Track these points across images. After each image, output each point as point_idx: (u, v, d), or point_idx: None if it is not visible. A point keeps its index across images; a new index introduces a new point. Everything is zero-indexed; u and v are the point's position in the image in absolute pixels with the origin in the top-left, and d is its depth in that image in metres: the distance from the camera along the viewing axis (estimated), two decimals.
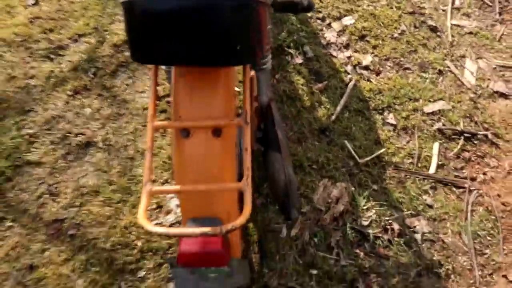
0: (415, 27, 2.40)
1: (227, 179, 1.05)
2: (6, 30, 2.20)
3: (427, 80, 2.19)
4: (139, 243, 1.65)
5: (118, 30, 2.24)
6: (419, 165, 1.93)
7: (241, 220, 0.87)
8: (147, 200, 0.93)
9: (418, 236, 1.74)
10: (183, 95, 1.04)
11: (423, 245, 1.73)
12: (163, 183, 1.80)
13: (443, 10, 2.50)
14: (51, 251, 1.62)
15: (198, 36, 0.91)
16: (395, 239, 1.73)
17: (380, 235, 1.73)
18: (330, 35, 2.33)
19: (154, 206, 1.74)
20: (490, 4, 2.54)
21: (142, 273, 1.59)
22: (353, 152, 1.93)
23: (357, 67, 2.22)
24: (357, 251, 1.70)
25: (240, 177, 1.05)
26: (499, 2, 2.55)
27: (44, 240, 1.64)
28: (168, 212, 1.73)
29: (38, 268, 1.59)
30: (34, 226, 1.67)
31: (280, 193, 1.39)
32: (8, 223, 1.68)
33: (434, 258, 1.70)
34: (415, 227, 1.77)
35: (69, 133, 1.90)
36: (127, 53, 2.17)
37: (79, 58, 2.13)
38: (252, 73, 1.45)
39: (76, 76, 2.06)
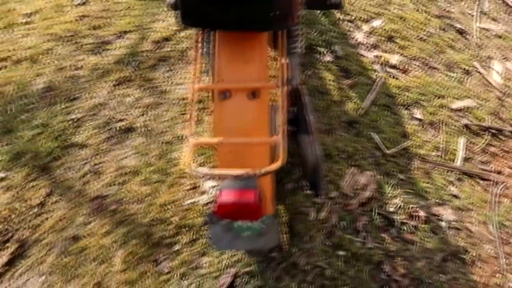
0: (442, 29, 2.45)
1: (262, 136, 1.13)
2: (56, 26, 2.34)
3: (454, 79, 2.23)
4: (176, 219, 1.72)
5: (159, 28, 2.36)
6: (445, 157, 1.97)
7: (277, 164, 0.94)
8: (191, 150, 1.01)
9: (443, 224, 1.77)
10: (224, 60, 1.13)
11: (449, 232, 1.75)
12: (199, 166, 1.87)
13: (470, 14, 2.54)
14: (94, 224, 1.71)
15: (244, 3, 1.00)
16: (421, 225, 1.76)
17: (406, 221, 1.77)
18: (359, 36, 2.40)
19: (190, 186, 1.82)
20: None
21: (177, 247, 1.67)
22: (380, 143, 1.97)
23: (385, 66, 2.28)
24: (383, 235, 1.74)
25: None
26: None
27: (87, 214, 1.74)
28: (203, 193, 1.80)
29: (81, 239, 1.68)
30: (78, 201, 1.77)
31: (309, 171, 1.45)
32: (55, 198, 1.78)
33: (460, 245, 1.72)
34: (441, 215, 1.80)
35: (112, 119, 2.01)
36: (167, 49, 2.28)
37: (122, 52, 2.25)
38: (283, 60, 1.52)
39: (119, 69, 2.18)
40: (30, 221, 1.72)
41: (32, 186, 1.80)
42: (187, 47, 2.28)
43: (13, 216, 1.72)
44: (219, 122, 1.14)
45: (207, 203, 1.77)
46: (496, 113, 2.11)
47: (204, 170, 0.96)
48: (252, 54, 1.13)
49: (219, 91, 1.12)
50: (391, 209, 1.79)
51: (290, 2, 1.07)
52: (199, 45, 1.17)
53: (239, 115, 1.11)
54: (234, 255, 1.65)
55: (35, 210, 1.74)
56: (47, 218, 1.73)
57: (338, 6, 1.50)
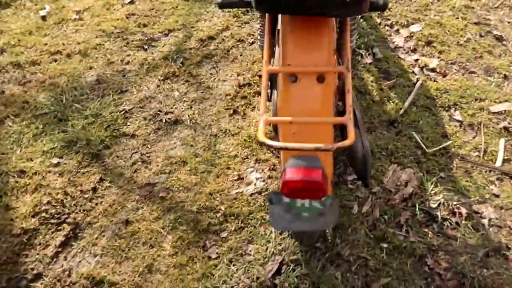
0: (481, 36, 2.48)
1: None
2: (106, 23, 2.42)
3: (493, 83, 2.25)
4: (223, 208, 1.76)
5: (204, 27, 2.42)
6: (485, 158, 1.98)
7: (349, 141, 0.98)
8: (264, 126, 1.05)
9: (485, 221, 1.78)
10: (292, 45, 1.17)
11: (490, 229, 1.76)
12: (244, 159, 1.92)
13: (509, 22, 2.56)
14: (144, 209, 1.76)
15: None
16: (463, 222, 1.77)
17: (448, 217, 1.78)
18: (398, 40, 2.44)
19: (236, 177, 1.86)
20: None
21: (224, 234, 1.70)
22: (421, 142, 2.00)
23: (424, 69, 2.31)
24: (426, 230, 1.75)
25: None
26: None
27: (137, 200, 1.79)
28: (249, 184, 1.84)
29: (132, 223, 1.72)
30: (129, 188, 1.82)
31: (358, 162, 1.48)
32: (107, 184, 1.83)
33: (502, 241, 1.73)
34: (482, 212, 1.81)
35: (160, 111, 2.07)
36: (211, 47, 2.34)
37: (169, 49, 2.32)
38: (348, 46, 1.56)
39: (166, 64, 2.24)
40: (83, 205, 1.77)
41: (85, 172, 1.86)
42: (231, 46, 2.34)
43: (67, 200, 1.78)
44: (286, 103, 1.18)
45: (253, 193, 1.81)
46: None
47: (279, 143, 1.01)
48: (320, 40, 1.18)
49: (288, 74, 1.16)
50: (433, 205, 1.81)
51: None
52: (268, 28, 1.21)
53: (306, 98, 1.15)
54: (280, 243, 1.68)
55: (88, 195, 1.80)
56: (99, 203, 1.78)
57: (383, 8, 1.54)
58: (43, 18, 2.44)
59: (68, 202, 1.77)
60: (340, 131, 1.61)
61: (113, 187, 1.82)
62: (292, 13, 1.18)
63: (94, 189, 1.81)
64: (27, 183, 1.81)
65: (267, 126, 1.11)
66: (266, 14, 1.29)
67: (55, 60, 2.25)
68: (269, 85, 1.46)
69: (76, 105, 2.06)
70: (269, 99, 1.57)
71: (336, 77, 1.22)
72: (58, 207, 1.76)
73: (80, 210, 1.75)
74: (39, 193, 1.78)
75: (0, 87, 2.14)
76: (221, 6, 2.00)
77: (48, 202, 1.76)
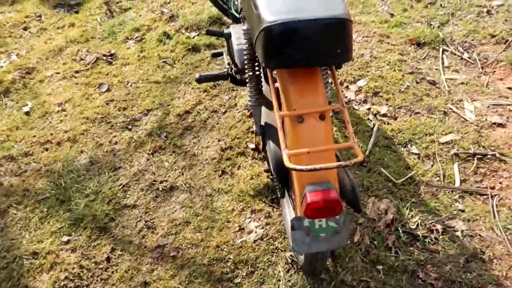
0: (417, 82, 2.85)
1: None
2: (88, 111, 2.58)
3: (436, 119, 2.58)
4: (231, 257, 1.89)
5: (179, 104, 2.64)
6: (446, 181, 2.25)
7: (361, 157, 1.20)
8: (288, 158, 1.25)
9: (459, 233, 2.02)
10: (295, 93, 1.40)
11: (464, 239, 2.00)
12: (240, 211, 2.08)
13: (436, 69, 2.97)
14: (159, 270, 1.86)
15: (320, 44, 1.30)
16: (441, 236, 1.99)
17: (427, 234, 2.00)
18: (349, 94, 2.76)
19: (237, 228, 2.01)
20: (473, 62, 3.02)
21: (238, 280, 1.82)
22: (389, 176, 2.25)
23: (377, 115, 2.61)
24: (412, 248, 1.96)
25: None
26: (479, 60, 3.04)
27: (151, 262, 1.88)
28: (250, 232, 1.99)
29: (150, 284, 1.81)
30: (140, 253, 1.92)
31: (348, 192, 1.69)
32: (118, 252, 1.92)
33: (476, 247, 1.96)
34: (454, 226, 2.04)
35: (155, 181, 2.21)
36: (189, 120, 2.55)
37: (151, 126, 2.50)
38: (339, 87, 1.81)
39: (152, 140, 2.42)
40: (99, 275, 1.84)
41: (96, 245, 1.95)
42: (207, 117, 2.56)
43: (83, 272, 1.85)
44: (297, 139, 1.39)
45: (255, 240, 1.96)
46: (477, 142, 2.45)
47: (308, 166, 1.20)
48: (316, 85, 1.42)
49: (295, 117, 1.38)
50: (413, 227, 2.03)
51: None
52: (273, 80, 1.45)
53: (313, 133, 1.38)
54: (289, 280, 1.82)
55: (102, 265, 1.88)
56: (114, 271, 1.86)
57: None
58: (27, 113, 2.57)
59: (85, 275, 1.84)
60: None
61: (125, 254, 1.91)
62: (296, 66, 1.42)
63: (108, 259, 1.89)
64: (42, 263, 1.87)
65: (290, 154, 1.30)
66: (268, 71, 1.52)
67: (47, 149, 2.36)
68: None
69: (76, 185, 2.17)
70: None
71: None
72: (76, 280, 1.82)
73: (98, 280, 1.83)
74: (55, 270, 1.84)
75: None
76: (199, 81, 2.24)
77: (66, 278, 1.82)
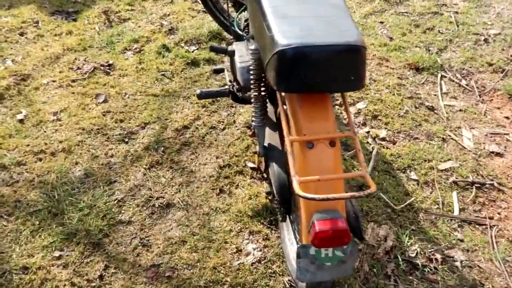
0: (416, 107, 2.85)
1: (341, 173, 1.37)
2: (84, 121, 2.53)
3: (435, 146, 2.58)
4: (228, 279, 1.85)
5: (177, 118, 2.60)
6: (444, 209, 2.24)
7: (373, 188, 1.17)
8: (299, 185, 1.22)
9: (458, 264, 2.00)
10: (304, 116, 1.37)
11: (463, 270, 1.98)
12: (238, 232, 2.04)
13: (435, 95, 2.98)
14: None
15: (334, 70, 1.28)
16: (440, 266, 1.97)
17: (427, 264, 1.98)
18: None
19: (235, 250, 1.97)
20: (470, 89, 3.04)
21: None
22: (389, 201, 2.23)
23: (376, 139, 2.61)
24: (411, 277, 1.93)
25: None
26: (477, 88, 3.06)
27: (145, 282, 1.82)
28: (247, 254, 1.95)
29: None
30: (134, 272, 1.86)
31: (351, 220, 1.67)
32: (112, 270, 1.86)
33: (475, 279, 1.94)
34: (453, 256, 2.03)
35: (151, 197, 2.16)
36: (187, 135, 2.51)
37: (148, 140, 2.45)
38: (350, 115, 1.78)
39: (149, 154, 2.37)
40: None
41: (88, 262, 1.88)
42: (205, 133, 2.52)
43: None
44: (305, 166, 1.35)
45: (253, 263, 1.91)
46: (475, 170, 2.45)
47: (321, 195, 1.17)
48: (326, 111, 1.40)
49: (305, 142, 1.35)
50: (412, 255, 2.01)
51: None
52: (283, 106, 1.42)
53: (323, 160, 1.35)
54: None
55: (95, 283, 1.81)
56: None
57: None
58: (21, 121, 2.50)
59: None
60: None
61: (119, 272, 1.85)
62: (308, 91, 1.39)
63: (101, 277, 1.83)
64: (32, 279, 1.80)
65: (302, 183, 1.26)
66: (277, 93, 1.49)
67: (40, 159, 2.30)
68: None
69: (70, 198, 2.11)
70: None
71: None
72: None
73: None
74: (46, 287, 1.78)
75: None
76: (199, 97, 2.21)
77: None
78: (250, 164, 2.35)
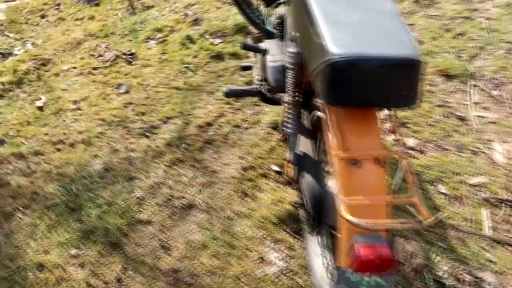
0: (446, 116, 2.75)
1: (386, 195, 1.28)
2: (105, 112, 2.45)
3: (465, 159, 2.48)
4: None
5: (200, 114, 2.51)
6: (474, 227, 2.15)
7: (430, 219, 1.08)
8: (345, 208, 1.13)
9: (487, 287, 1.91)
10: (350, 131, 1.28)
11: None
12: (261, 239, 1.96)
13: (465, 104, 2.87)
14: None
15: (389, 85, 1.18)
16: None
17: (455, 284, 1.90)
18: None
19: (257, 258, 1.89)
20: (502, 101, 2.93)
21: None
22: (417, 215, 2.14)
23: (404, 147, 2.51)
24: None
25: None
26: (509, 99, 2.95)
27: (164, 287, 1.75)
28: (270, 264, 1.87)
29: None
30: (153, 275, 1.79)
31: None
32: (130, 273, 1.79)
33: None
34: (483, 278, 1.94)
35: (172, 196, 2.08)
36: (210, 132, 2.42)
37: (170, 136, 2.37)
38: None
39: (170, 150, 2.29)
40: None
41: (106, 263, 1.81)
42: (229, 131, 2.43)
43: None
44: (349, 185, 1.26)
45: (276, 273, 1.84)
46: (507, 187, 2.35)
47: (370, 224, 1.09)
48: (373, 127, 1.31)
49: (350, 159, 1.26)
50: (440, 274, 1.92)
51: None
52: (330, 118, 1.33)
53: (367, 179, 1.26)
54: None
55: (113, 285, 1.74)
56: None
57: None
58: (40, 108, 2.43)
59: None
60: None
61: (138, 276, 1.78)
62: (360, 106, 1.30)
63: (119, 280, 1.76)
64: (47, 277, 1.73)
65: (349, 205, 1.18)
66: (324, 105, 1.39)
67: (59, 150, 2.22)
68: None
69: (88, 193, 2.03)
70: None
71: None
72: None
73: None
74: (61, 286, 1.71)
75: (5, 178, 2.07)
76: (227, 95, 2.12)
77: None
78: (275, 167, 2.27)
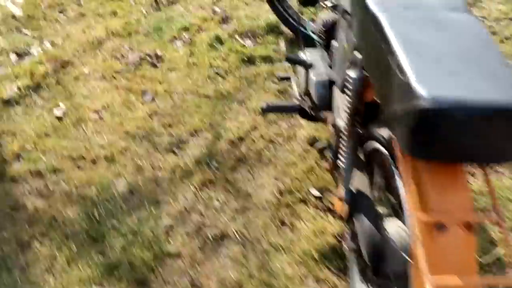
0: None
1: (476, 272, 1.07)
2: (129, 123, 2.24)
3: None
4: None
5: (231, 127, 2.30)
6: None
7: None
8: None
9: None
10: (434, 190, 1.07)
11: None
12: (302, 278, 1.76)
13: None
14: None
15: (494, 138, 0.96)
16: None
17: None
18: None
19: None
20: None
21: None
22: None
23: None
24: None
25: None
26: None
27: None
28: None
29: None
30: None
31: None
32: None
33: None
34: None
35: (203, 225, 1.88)
36: (243, 149, 2.21)
37: (199, 152, 2.16)
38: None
39: (200, 169, 2.08)
40: None
41: None
42: (263, 147, 2.22)
43: None
44: (434, 256, 1.05)
45: None
46: None
47: None
48: (462, 183, 1.09)
49: (436, 223, 1.05)
50: None
51: None
52: (408, 170, 1.11)
53: (456, 249, 1.05)
54: None
55: None
56: None
57: None
58: (59, 118, 2.23)
59: None
60: None
61: None
62: (458, 161, 1.08)
63: None
64: None
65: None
66: (405, 157, 1.16)
67: (79, 167, 2.03)
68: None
69: (112, 220, 1.84)
70: None
71: None
72: None
73: None
74: None
75: (21, 200, 1.89)
76: (265, 111, 1.91)
77: None
78: (314, 191, 2.05)
